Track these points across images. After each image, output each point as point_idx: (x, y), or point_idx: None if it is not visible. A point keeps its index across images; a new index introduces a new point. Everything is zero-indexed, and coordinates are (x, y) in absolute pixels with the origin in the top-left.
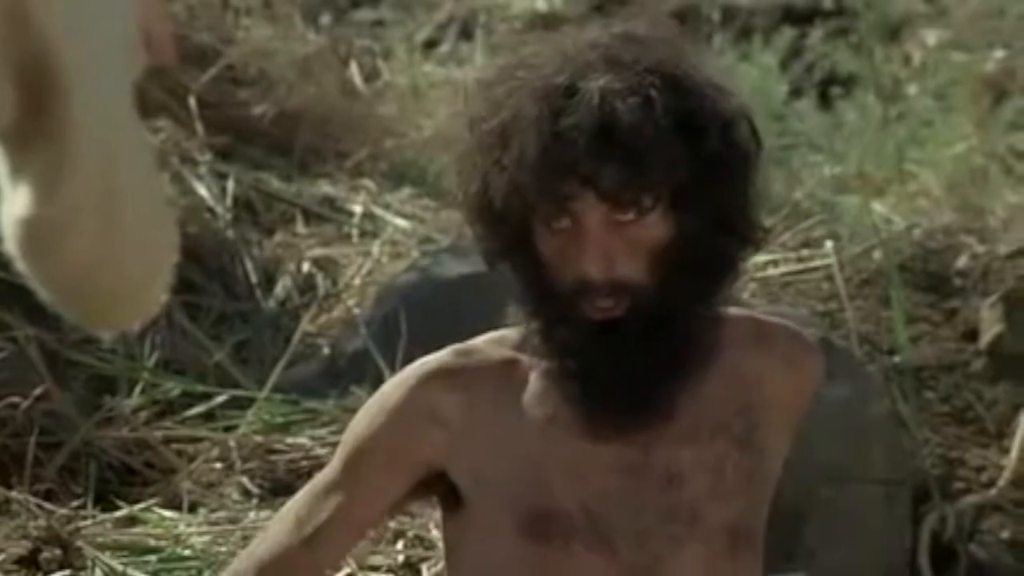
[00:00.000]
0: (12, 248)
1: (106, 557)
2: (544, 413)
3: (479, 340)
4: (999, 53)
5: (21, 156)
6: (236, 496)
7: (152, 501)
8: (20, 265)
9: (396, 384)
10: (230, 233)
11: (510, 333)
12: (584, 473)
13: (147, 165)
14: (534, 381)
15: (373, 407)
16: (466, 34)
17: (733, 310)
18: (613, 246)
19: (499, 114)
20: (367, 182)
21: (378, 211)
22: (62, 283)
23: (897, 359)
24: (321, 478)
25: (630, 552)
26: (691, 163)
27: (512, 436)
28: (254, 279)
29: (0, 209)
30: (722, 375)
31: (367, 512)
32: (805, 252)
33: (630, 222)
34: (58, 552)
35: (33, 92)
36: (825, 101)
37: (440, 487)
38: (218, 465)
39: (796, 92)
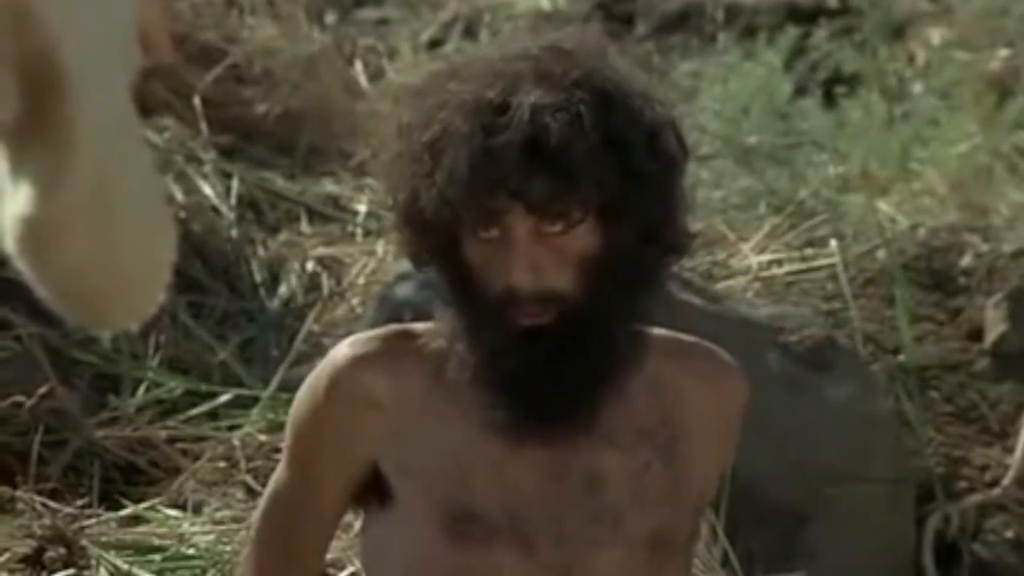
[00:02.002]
0: (11, 247)
1: (111, 556)
2: (470, 412)
3: (419, 326)
4: (1003, 52)
5: (22, 155)
6: (240, 495)
7: (156, 500)
8: (18, 264)
9: (327, 369)
10: (234, 232)
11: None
12: (507, 474)
13: (144, 164)
14: (461, 380)
15: (306, 392)
16: (471, 33)
17: (656, 329)
18: (541, 257)
19: (430, 126)
20: (371, 181)
21: (382, 210)
22: (60, 282)
23: (901, 358)
24: (276, 485)
25: (550, 553)
26: (619, 177)
27: (438, 432)
28: (258, 278)
29: (0, 208)
30: (645, 386)
31: (332, 501)
32: (809, 251)
33: (558, 233)
34: (63, 551)
35: (36, 89)
36: (829, 100)
37: (369, 484)
38: (222, 464)
39: (800, 91)
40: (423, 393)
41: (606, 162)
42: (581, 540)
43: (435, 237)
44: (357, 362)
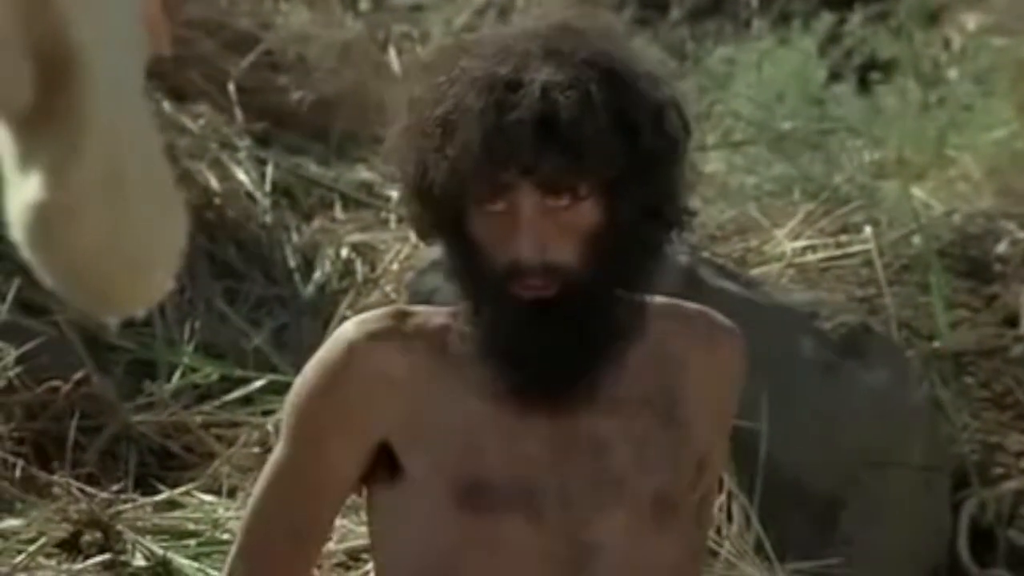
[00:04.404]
0: (18, 234)
1: (146, 541)
2: (476, 385)
3: (418, 307)
4: None
5: (33, 141)
6: None
7: (191, 485)
8: (26, 252)
9: (339, 345)
10: (269, 218)
11: (447, 307)
12: (515, 444)
13: (155, 148)
14: (466, 354)
15: (316, 371)
16: (504, 19)
17: (658, 297)
18: (547, 230)
19: (442, 102)
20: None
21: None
22: (69, 268)
23: (936, 345)
24: (278, 465)
25: (557, 518)
26: (626, 154)
27: (447, 405)
28: (293, 264)
29: (9, 195)
30: (646, 354)
31: (343, 478)
32: (844, 238)
33: (564, 208)
34: (99, 535)
35: (50, 73)
36: (864, 86)
37: (377, 462)
38: (256, 449)
39: (835, 77)
40: (431, 368)
41: (614, 140)
42: (587, 505)
43: (442, 210)
44: (369, 338)
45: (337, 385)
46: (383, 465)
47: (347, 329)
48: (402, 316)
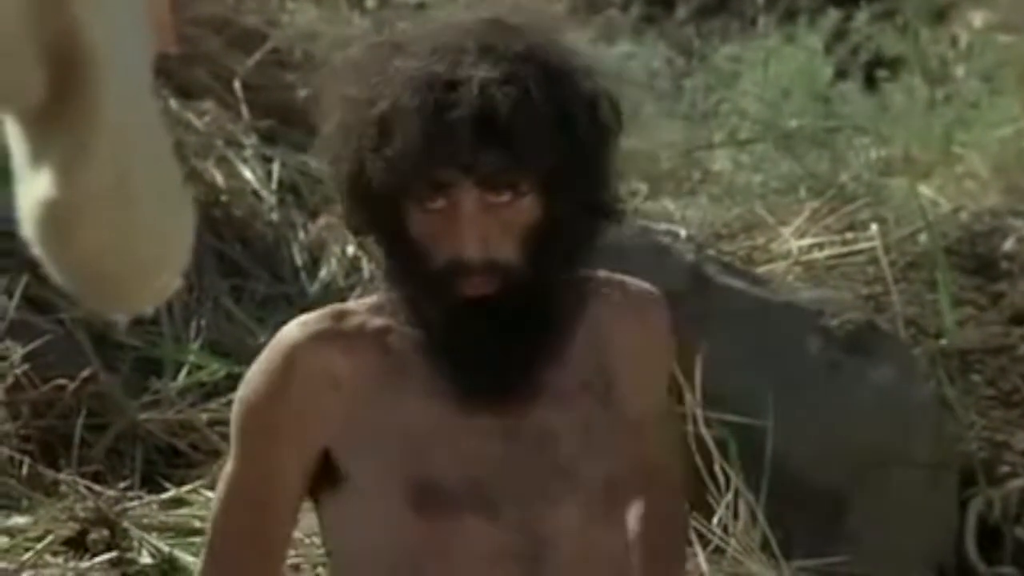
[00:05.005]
0: (29, 231)
1: (153, 538)
2: (420, 385)
3: (353, 304)
4: None
5: (45, 139)
6: None
7: (198, 483)
8: (36, 248)
9: (282, 348)
10: (275, 216)
11: (384, 301)
12: (462, 443)
13: (164, 146)
14: (408, 353)
15: (260, 376)
16: None
17: (583, 272)
18: (488, 227)
19: (377, 101)
20: None
21: None
22: (78, 266)
23: (943, 342)
24: (232, 481)
25: (512, 514)
26: (564, 149)
27: (391, 407)
28: (299, 262)
29: (20, 192)
30: (582, 337)
31: (294, 487)
32: (850, 235)
33: (504, 204)
34: (105, 533)
35: (63, 72)
36: (871, 83)
37: (319, 472)
38: None
39: (841, 74)
40: (375, 369)
41: (552, 134)
42: (540, 498)
43: (379, 208)
44: (313, 340)
45: (282, 389)
46: (325, 476)
47: (288, 332)
48: (342, 316)
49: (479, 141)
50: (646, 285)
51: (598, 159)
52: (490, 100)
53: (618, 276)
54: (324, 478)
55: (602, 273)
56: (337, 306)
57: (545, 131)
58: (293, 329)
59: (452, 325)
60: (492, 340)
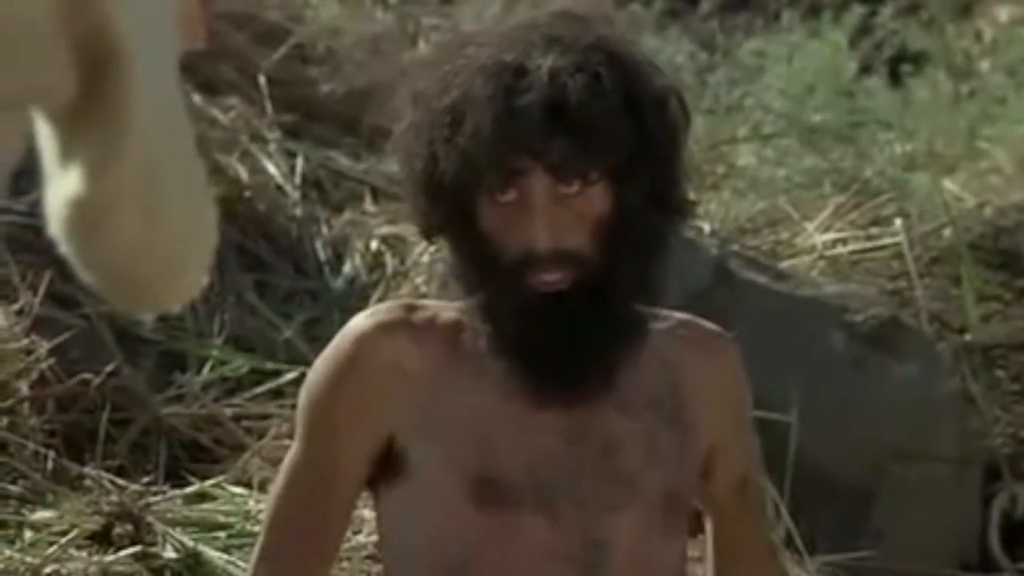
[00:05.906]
0: (57, 229)
1: (177, 533)
2: (488, 380)
3: (428, 302)
4: None
5: (73, 137)
6: None
7: (222, 477)
8: (63, 247)
9: (350, 337)
10: (299, 211)
11: (454, 299)
12: (528, 440)
13: (190, 146)
14: (478, 348)
15: (328, 364)
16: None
17: (655, 309)
18: (559, 217)
19: (449, 91)
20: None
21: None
22: (105, 264)
23: (967, 337)
24: (294, 465)
25: (571, 517)
26: (633, 139)
27: (459, 399)
28: (323, 257)
29: (48, 190)
30: (650, 359)
31: (356, 474)
32: (875, 230)
33: (574, 194)
34: (129, 528)
35: (92, 69)
36: (895, 78)
37: (382, 460)
38: (287, 442)
39: (866, 69)
40: (444, 361)
41: (622, 123)
42: (600, 503)
43: (451, 204)
44: (381, 329)
45: (349, 377)
46: (388, 465)
47: (357, 322)
48: (413, 309)
49: (550, 127)
50: (715, 326)
51: (668, 153)
52: (561, 87)
53: (692, 316)
54: (386, 467)
55: (673, 313)
56: (408, 300)
57: (615, 120)
58: (361, 319)
59: (524, 320)
60: (564, 336)
